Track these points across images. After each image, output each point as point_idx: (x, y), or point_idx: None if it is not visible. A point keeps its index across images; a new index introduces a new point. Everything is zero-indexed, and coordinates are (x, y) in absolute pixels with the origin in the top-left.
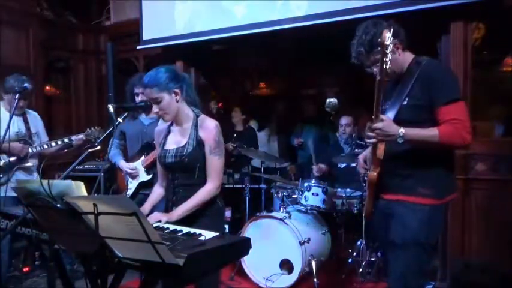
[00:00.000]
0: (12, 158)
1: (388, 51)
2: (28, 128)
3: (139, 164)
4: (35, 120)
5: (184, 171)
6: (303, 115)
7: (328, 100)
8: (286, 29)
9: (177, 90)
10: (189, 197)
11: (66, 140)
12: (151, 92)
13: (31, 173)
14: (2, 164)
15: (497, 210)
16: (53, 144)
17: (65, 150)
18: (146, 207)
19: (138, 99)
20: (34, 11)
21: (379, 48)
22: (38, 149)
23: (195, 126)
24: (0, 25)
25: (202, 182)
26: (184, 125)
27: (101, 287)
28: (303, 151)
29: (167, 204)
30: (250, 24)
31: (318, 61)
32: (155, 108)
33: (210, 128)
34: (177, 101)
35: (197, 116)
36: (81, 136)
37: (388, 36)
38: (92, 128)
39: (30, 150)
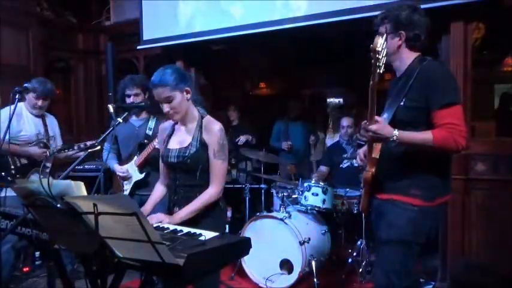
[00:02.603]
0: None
1: (380, 57)
2: (46, 131)
3: (131, 165)
4: (53, 123)
5: (185, 172)
6: (288, 114)
7: (328, 100)
8: (286, 29)
9: (188, 89)
10: (189, 197)
11: (82, 146)
12: (163, 90)
13: (46, 175)
14: (19, 165)
15: (497, 210)
16: (70, 149)
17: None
18: (148, 207)
19: (130, 100)
20: (34, 11)
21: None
22: (56, 152)
23: (199, 127)
24: (0, 25)
25: (204, 183)
26: (189, 125)
27: (101, 287)
28: (290, 154)
29: (169, 204)
30: (250, 24)
31: (318, 61)
32: (165, 108)
33: (214, 131)
34: (188, 100)
35: (202, 117)
36: (95, 142)
37: (380, 42)
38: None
39: (48, 153)
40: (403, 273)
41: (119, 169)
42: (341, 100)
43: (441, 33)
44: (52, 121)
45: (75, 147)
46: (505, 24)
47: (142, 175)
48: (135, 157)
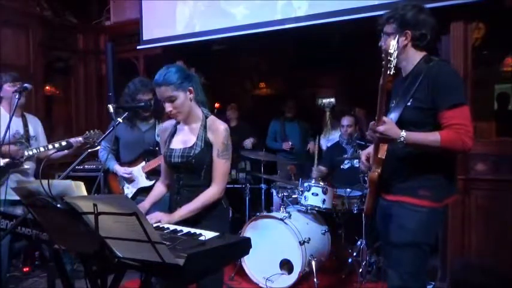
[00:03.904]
0: (5, 160)
1: (392, 59)
2: (27, 131)
3: (138, 169)
4: (35, 123)
5: (190, 172)
6: (285, 114)
7: (323, 100)
8: (286, 29)
9: (191, 88)
10: (192, 198)
11: (63, 143)
12: (166, 90)
13: (27, 176)
14: None
15: (498, 210)
16: (50, 146)
17: (66, 152)
18: (146, 204)
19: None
20: (34, 11)
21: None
22: (34, 151)
23: (204, 127)
24: (0, 25)
25: (208, 183)
26: (192, 125)
27: (101, 287)
28: (289, 155)
29: (171, 204)
30: (250, 24)
31: (318, 61)
32: (168, 107)
33: (219, 130)
34: (191, 100)
35: (206, 117)
36: (79, 139)
37: (393, 44)
38: (91, 131)
39: (26, 152)
40: (416, 274)
41: (123, 170)
42: (332, 100)
43: (441, 33)
44: (33, 121)
45: (56, 145)
46: (505, 24)
47: (151, 182)
48: (143, 162)
